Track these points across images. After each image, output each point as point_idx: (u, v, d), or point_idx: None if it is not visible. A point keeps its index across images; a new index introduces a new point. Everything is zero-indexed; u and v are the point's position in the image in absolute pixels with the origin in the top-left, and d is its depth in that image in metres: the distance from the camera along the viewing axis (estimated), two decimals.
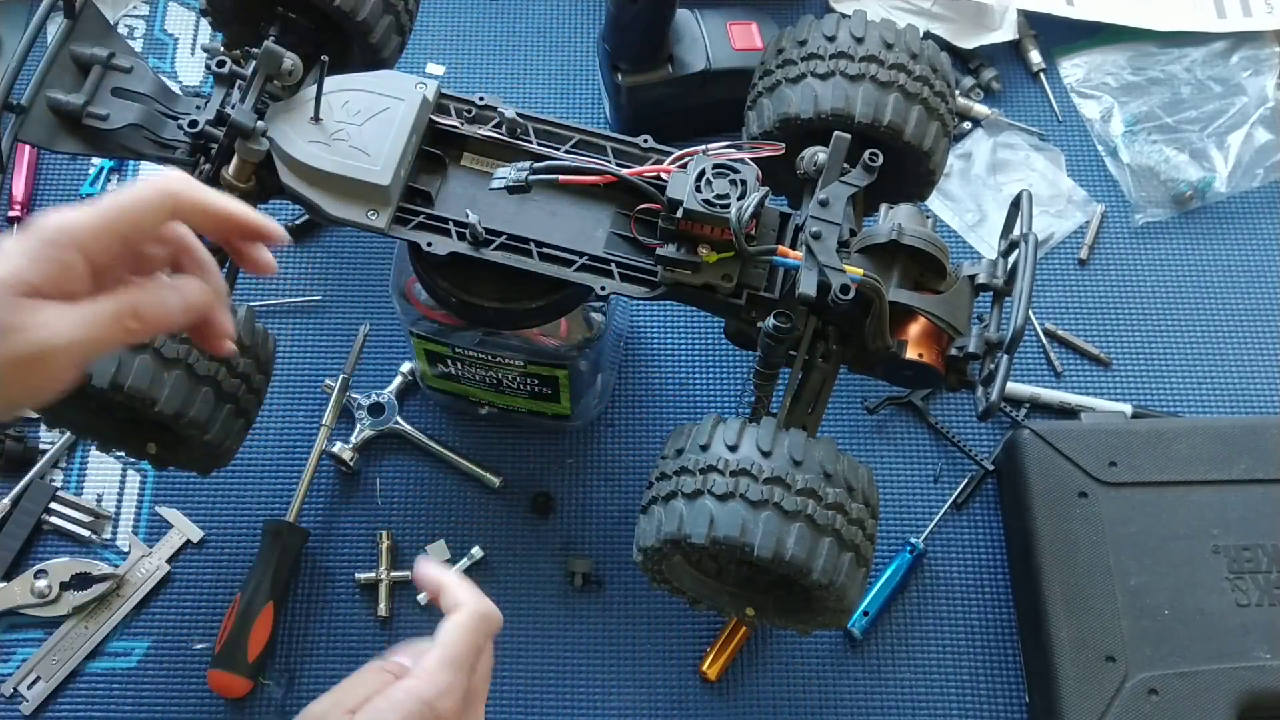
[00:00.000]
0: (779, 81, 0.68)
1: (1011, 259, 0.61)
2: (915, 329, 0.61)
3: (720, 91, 0.82)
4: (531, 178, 0.60)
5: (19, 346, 0.40)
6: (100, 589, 0.74)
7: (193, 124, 0.62)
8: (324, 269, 0.85)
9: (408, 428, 0.79)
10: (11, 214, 0.85)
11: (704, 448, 0.58)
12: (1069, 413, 0.80)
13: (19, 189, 0.85)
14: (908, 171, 0.69)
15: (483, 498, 0.78)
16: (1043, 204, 0.88)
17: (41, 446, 0.79)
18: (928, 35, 0.89)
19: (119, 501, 0.78)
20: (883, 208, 0.65)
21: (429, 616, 0.75)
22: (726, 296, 0.60)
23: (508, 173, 0.60)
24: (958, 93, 0.88)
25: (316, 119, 0.61)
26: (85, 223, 0.42)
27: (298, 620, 0.75)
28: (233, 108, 0.62)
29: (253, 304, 0.82)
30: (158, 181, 0.44)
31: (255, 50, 0.63)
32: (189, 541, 0.77)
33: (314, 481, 0.78)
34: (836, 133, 0.62)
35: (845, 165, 0.62)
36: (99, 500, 0.78)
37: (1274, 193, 0.89)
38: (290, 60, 0.63)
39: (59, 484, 0.78)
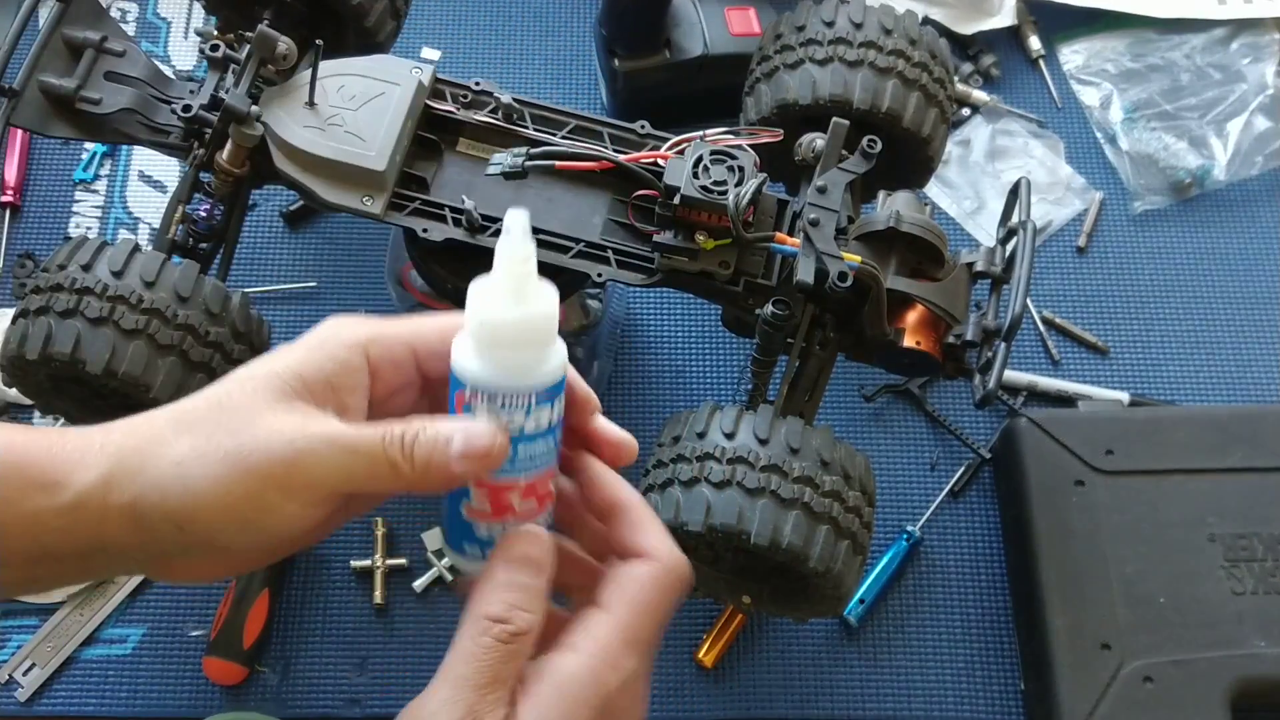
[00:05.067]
0: (777, 67, 0.67)
1: (1010, 246, 0.61)
2: (913, 317, 0.60)
3: (718, 77, 0.81)
4: (528, 163, 0.59)
5: (264, 437, 0.33)
6: None
7: (186, 108, 0.62)
8: (319, 255, 0.84)
9: None
10: (3, 199, 0.84)
11: (701, 435, 0.58)
12: (1066, 401, 0.80)
13: (11, 174, 0.85)
14: (906, 158, 0.69)
15: None
16: (1041, 191, 0.87)
17: None
18: (926, 21, 0.88)
19: None
20: (880, 195, 0.65)
21: (425, 604, 0.75)
22: (724, 284, 0.59)
23: (504, 158, 0.60)
24: (956, 79, 0.88)
25: (311, 104, 0.60)
26: (374, 326, 0.37)
27: (293, 607, 0.75)
28: (227, 92, 0.62)
29: (248, 290, 0.82)
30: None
31: (249, 34, 0.63)
32: None
33: None
34: (835, 119, 0.62)
35: (843, 152, 0.61)
36: None
37: (1273, 181, 0.89)
38: (284, 44, 0.63)
39: None
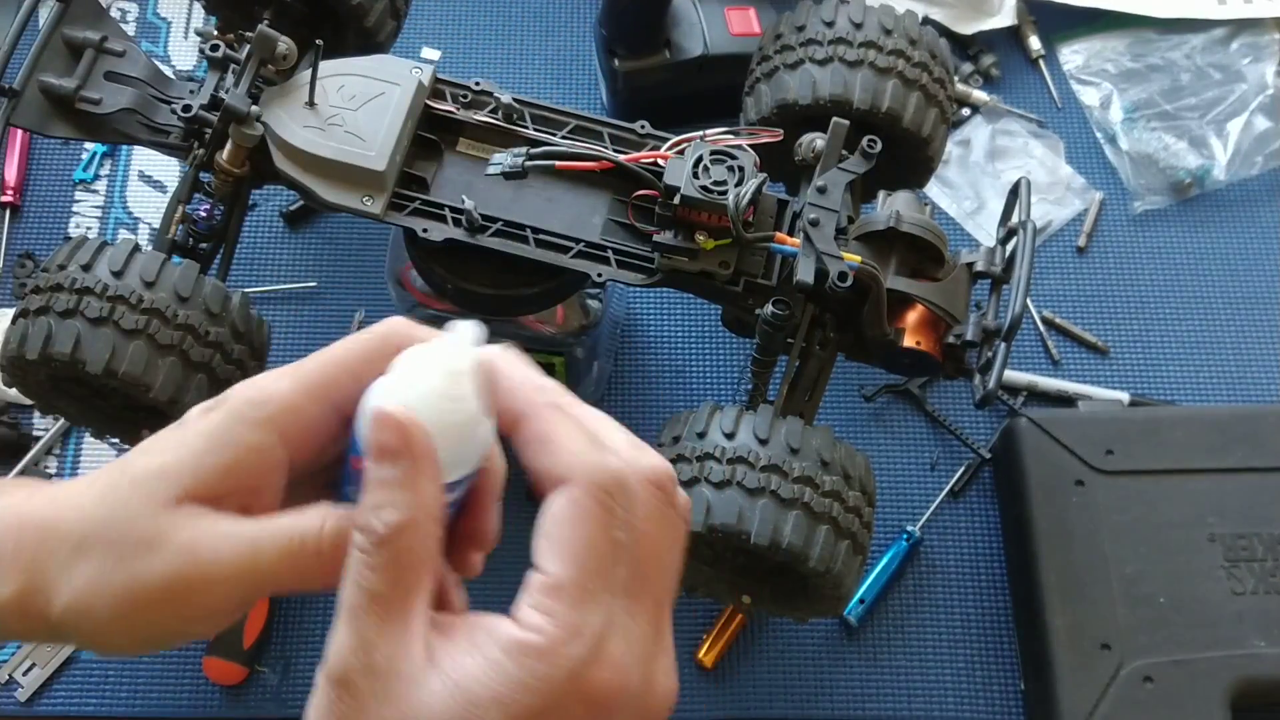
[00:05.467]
0: (777, 67, 0.67)
1: (1010, 246, 0.61)
2: (913, 317, 0.60)
3: (718, 77, 0.81)
4: (528, 163, 0.59)
5: (157, 569, 0.31)
6: None
7: (186, 108, 0.62)
8: (319, 255, 0.84)
9: None
10: (3, 199, 0.84)
11: (701, 435, 0.58)
12: (1066, 401, 0.80)
13: (11, 174, 0.85)
14: (906, 158, 0.69)
15: None
16: (1041, 191, 0.87)
17: (35, 433, 0.78)
18: (926, 21, 0.88)
19: None
20: (880, 195, 0.65)
21: None
22: (724, 284, 0.59)
23: (504, 158, 0.60)
24: (956, 79, 0.88)
25: (311, 104, 0.60)
26: (285, 390, 0.32)
27: (293, 607, 0.74)
28: (227, 92, 0.62)
29: (248, 290, 0.82)
30: (377, 327, 0.33)
31: (249, 34, 0.63)
32: None
33: None
34: (834, 119, 0.62)
35: (843, 152, 0.61)
36: None
37: (1273, 180, 0.89)
38: (284, 44, 0.63)
39: (53, 470, 0.78)
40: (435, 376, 0.30)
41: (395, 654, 0.28)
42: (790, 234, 0.60)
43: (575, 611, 0.28)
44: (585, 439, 0.30)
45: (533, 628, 0.28)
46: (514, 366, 0.32)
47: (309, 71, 0.60)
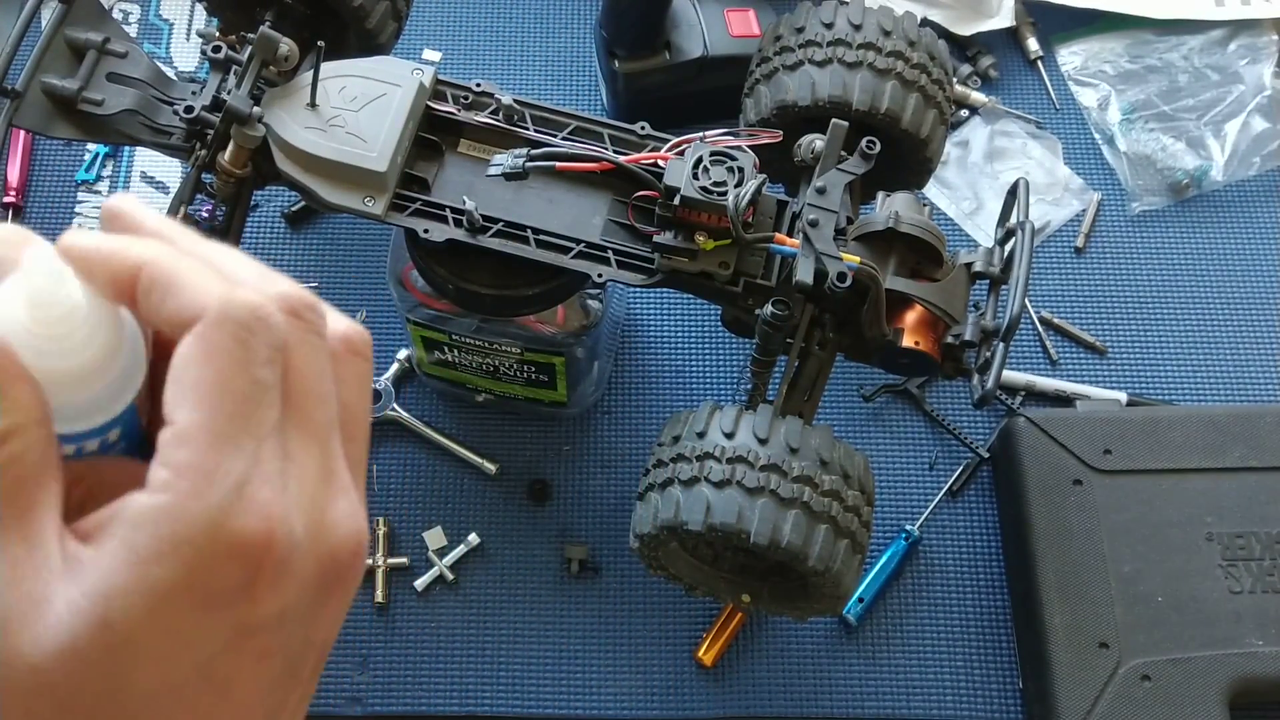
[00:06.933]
0: (776, 69, 0.68)
1: (1008, 247, 0.61)
2: (912, 317, 0.61)
3: (717, 78, 0.82)
4: (528, 164, 0.60)
5: None
6: None
7: (188, 109, 0.62)
8: (320, 255, 0.85)
9: (404, 415, 0.79)
10: (6, 200, 0.84)
11: (700, 435, 0.59)
12: (1064, 400, 0.81)
13: (14, 174, 0.85)
14: (905, 159, 0.69)
15: (479, 485, 0.78)
16: (1039, 192, 0.88)
17: None
18: (925, 22, 0.89)
19: None
20: (879, 195, 0.65)
21: (426, 603, 0.75)
22: (723, 284, 0.60)
23: (505, 159, 0.60)
24: (955, 80, 0.88)
25: (313, 105, 0.61)
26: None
27: None
28: (229, 93, 0.62)
29: None
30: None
31: (251, 36, 0.63)
32: None
33: None
34: (833, 120, 0.62)
35: (842, 153, 0.62)
36: None
37: (1270, 181, 0.89)
38: (286, 45, 0.63)
39: None
40: (16, 302, 0.26)
41: (21, 574, 0.23)
42: (790, 234, 0.61)
43: (207, 457, 0.24)
44: (213, 273, 0.26)
45: (160, 486, 0.24)
46: (100, 237, 0.28)
47: (310, 73, 0.60)
